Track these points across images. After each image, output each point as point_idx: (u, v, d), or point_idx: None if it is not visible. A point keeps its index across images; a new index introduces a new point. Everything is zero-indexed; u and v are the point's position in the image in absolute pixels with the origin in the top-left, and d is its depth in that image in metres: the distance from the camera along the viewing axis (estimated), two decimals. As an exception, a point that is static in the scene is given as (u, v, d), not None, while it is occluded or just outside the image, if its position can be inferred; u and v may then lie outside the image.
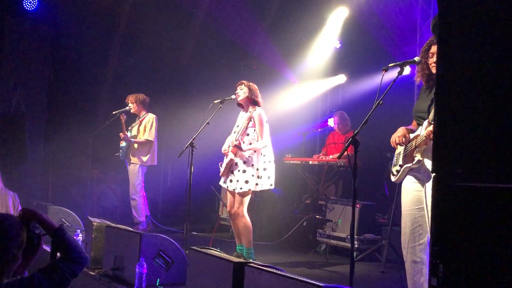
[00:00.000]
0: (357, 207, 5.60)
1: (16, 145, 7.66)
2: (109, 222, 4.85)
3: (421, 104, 3.42)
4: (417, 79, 3.48)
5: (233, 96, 5.16)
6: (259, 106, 5.11)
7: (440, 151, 1.50)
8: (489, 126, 1.38)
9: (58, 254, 2.25)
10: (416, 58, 3.41)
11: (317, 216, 6.65)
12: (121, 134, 6.99)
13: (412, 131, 3.47)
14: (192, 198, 5.08)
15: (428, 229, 3.19)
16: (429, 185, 3.21)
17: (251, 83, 5.15)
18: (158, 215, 8.47)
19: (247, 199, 4.97)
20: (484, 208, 1.38)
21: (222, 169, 5.05)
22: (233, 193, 5.01)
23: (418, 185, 3.34)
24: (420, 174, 3.33)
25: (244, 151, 4.90)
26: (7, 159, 7.53)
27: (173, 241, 4.08)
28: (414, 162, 3.31)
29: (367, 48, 7.89)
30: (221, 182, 5.15)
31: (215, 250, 3.51)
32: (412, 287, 3.32)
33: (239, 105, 5.23)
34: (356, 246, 5.73)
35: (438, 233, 1.46)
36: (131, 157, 6.97)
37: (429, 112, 3.30)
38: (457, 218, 1.43)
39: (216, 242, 5.94)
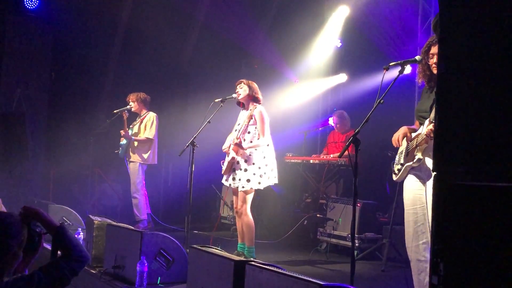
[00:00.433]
0: (358, 206, 5.60)
1: (17, 143, 7.67)
2: (110, 221, 4.86)
3: (423, 104, 3.43)
4: (419, 80, 3.48)
5: (234, 95, 5.17)
6: (260, 103, 5.12)
7: (441, 149, 1.50)
8: (490, 124, 1.39)
9: (59, 252, 2.25)
10: (417, 57, 3.41)
11: (317, 215, 6.65)
12: (122, 131, 6.99)
13: (414, 131, 3.47)
14: (193, 197, 5.09)
15: (429, 227, 3.20)
16: (429, 183, 3.22)
17: (250, 81, 5.16)
18: (159, 214, 8.47)
19: (249, 198, 4.98)
20: (485, 206, 1.38)
21: (224, 168, 5.07)
22: (236, 191, 5.02)
23: (419, 184, 3.34)
24: (421, 173, 3.34)
25: (245, 149, 4.91)
26: (9, 157, 7.54)
27: (174, 239, 4.09)
28: (414, 161, 3.32)
29: (368, 47, 7.89)
30: (223, 180, 5.17)
31: (216, 249, 3.52)
32: (418, 286, 3.33)
33: (240, 104, 5.24)
34: (356, 245, 5.73)
35: (439, 231, 1.47)
36: (131, 154, 6.97)
37: (431, 112, 3.30)
38: (458, 216, 1.43)
39: (216, 241, 5.95)
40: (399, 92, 4.48)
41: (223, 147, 5.13)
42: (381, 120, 5.01)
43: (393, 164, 3.61)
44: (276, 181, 5.03)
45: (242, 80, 5.20)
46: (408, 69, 5.35)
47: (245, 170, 4.91)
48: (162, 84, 9.18)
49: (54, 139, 8.36)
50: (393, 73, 3.50)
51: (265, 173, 4.92)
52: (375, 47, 7.67)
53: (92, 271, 4.47)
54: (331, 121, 7.72)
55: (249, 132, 4.99)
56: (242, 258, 3.42)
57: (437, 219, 1.47)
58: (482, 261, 1.37)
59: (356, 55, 8.41)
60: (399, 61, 3.45)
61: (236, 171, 4.96)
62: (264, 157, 4.96)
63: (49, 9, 8.27)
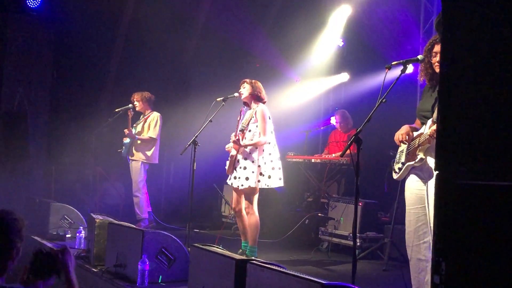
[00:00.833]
0: (359, 205, 5.59)
1: (19, 142, 7.69)
2: (111, 219, 4.87)
3: (424, 103, 3.42)
4: (421, 78, 3.47)
5: (236, 94, 5.17)
6: (263, 102, 5.11)
7: (443, 149, 1.50)
8: (493, 124, 1.38)
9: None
10: (419, 56, 3.40)
11: (319, 214, 6.65)
12: (126, 130, 7.00)
13: (416, 130, 3.47)
14: (195, 196, 5.09)
15: (430, 227, 3.19)
16: (431, 183, 3.21)
17: (254, 80, 5.16)
18: (161, 213, 8.47)
19: (255, 198, 4.96)
20: (487, 206, 1.38)
21: (227, 167, 5.07)
22: (236, 190, 5.02)
23: (420, 184, 3.34)
24: (422, 173, 3.33)
25: (243, 146, 4.90)
26: (10, 156, 7.55)
27: (175, 238, 4.09)
28: (416, 160, 3.31)
29: (370, 46, 7.88)
30: (227, 180, 5.16)
31: (217, 247, 3.52)
32: (417, 285, 3.32)
33: (245, 103, 5.24)
34: (358, 244, 5.72)
35: (441, 231, 1.46)
36: (134, 153, 6.98)
37: (432, 111, 3.29)
38: (460, 216, 1.43)
39: (218, 240, 5.95)
40: (401, 91, 4.47)
41: (227, 146, 5.13)
42: (383, 119, 5.00)
43: (393, 162, 3.61)
44: (282, 184, 5.00)
45: (245, 79, 5.21)
46: (410, 68, 5.33)
47: (244, 168, 4.90)
48: (164, 84, 9.18)
49: (56, 138, 8.36)
50: (395, 72, 3.49)
51: (265, 171, 4.90)
52: (377, 47, 7.66)
53: (93, 269, 4.47)
54: (332, 121, 7.71)
55: (250, 131, 4.99)
56: (243, 257, 3.42)
57: (439, 218, 1.47)
58: (484, 260, 1.36)
59: (358, 54, 8.40)
60: (401, 60, 3.44)
61: (236, 169, 4.96)
62: (272, 161, 4.93)
63: (51, 8, 8.27)
